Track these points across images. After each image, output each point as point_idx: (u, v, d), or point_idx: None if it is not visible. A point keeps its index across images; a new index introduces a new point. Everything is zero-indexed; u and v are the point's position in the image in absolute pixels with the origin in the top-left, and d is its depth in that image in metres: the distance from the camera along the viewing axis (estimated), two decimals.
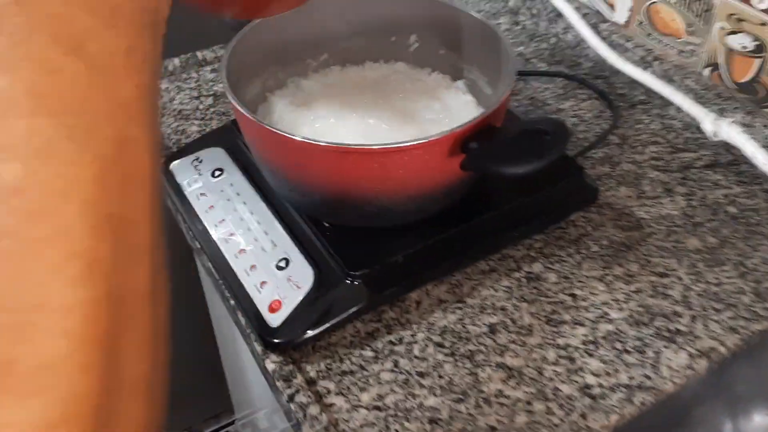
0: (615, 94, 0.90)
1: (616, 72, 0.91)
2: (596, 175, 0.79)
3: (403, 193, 0.60)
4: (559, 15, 0.98)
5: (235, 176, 0.71)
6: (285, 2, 0.56)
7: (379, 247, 0.63)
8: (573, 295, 0.67)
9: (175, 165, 0.74)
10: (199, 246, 0.68)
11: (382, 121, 0.70)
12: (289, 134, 0.56)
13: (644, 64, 0.88)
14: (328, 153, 0.56)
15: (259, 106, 0.72)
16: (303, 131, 0.69)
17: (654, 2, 0.86)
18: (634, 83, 0.90)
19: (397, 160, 0.57)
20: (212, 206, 0.69)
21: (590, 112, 0.88)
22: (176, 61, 0.93)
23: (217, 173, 0.72)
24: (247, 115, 0.58)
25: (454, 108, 0.72)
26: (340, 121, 0.70)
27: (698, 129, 0.84)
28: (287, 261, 0.63)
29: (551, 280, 0.68)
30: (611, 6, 0.92)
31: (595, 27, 0.93)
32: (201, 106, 0.88)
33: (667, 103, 0.87)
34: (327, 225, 0.65)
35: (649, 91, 0.88)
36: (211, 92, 0.90)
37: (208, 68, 0.94)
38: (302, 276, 0.61)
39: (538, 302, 0.66)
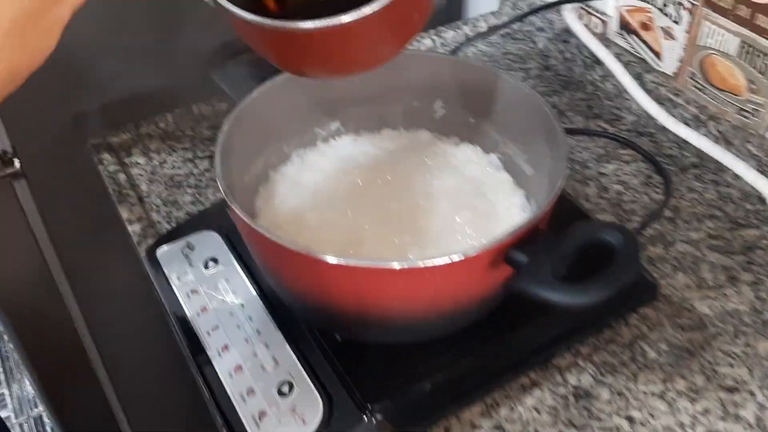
0: (663, 155, 0.80)
1: (663, 127, 0.81)
2: (648, 257, 0.68)
3: (433, 310, 0.50)
4: (597, 61, 0.87)
5: (231, 269, 0.61)
6: (361, 63, 0.49)
7: (401, 369, 0.53)
8: (630, 419, 0.56)
9: (162, 252, 0.64)
10: (189, 355, 0.58)
11: (403, 206, 0.60)
12: (296, 248, 0.46)
13: (697, 123, 0.78)
14: (344, 271, 0.46)
15: (260, 187, 0.62)
16: (310, 221, 0.59)
17: (709, 53, 0.76)
18: (683, 141, 0.79)
19: (428, 278, 0.47)
20: (204, 308, 0.59)
21: (636, 178, 0.77)
22: (169, 117, 0.83)
23: (210, 264, 0.62)
24: (246, 220, 0.48)
25: (488, 189, 0.62)
26: (354, 206, 0.60)
27: (759, 199, 0.74)
28: (291, 386, 0.52)
29: (603, 397, 0.58)
30: (657, 54, 0.82)
31: (639, 77, 0.83)
32: (196, 171, 0.78)
33: (722, 166, 0.76)
34: (339, 339, 0.55)
35: (701, 152, 0.78)
36: (208, 153, 0.80)
37: (206, 124, 0.84)
38: (309, 406, 0.51)
39: (590, 428, 0.56)
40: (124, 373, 1.07)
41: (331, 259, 0.45)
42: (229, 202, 0.49)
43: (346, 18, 0.42)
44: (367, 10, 0.42)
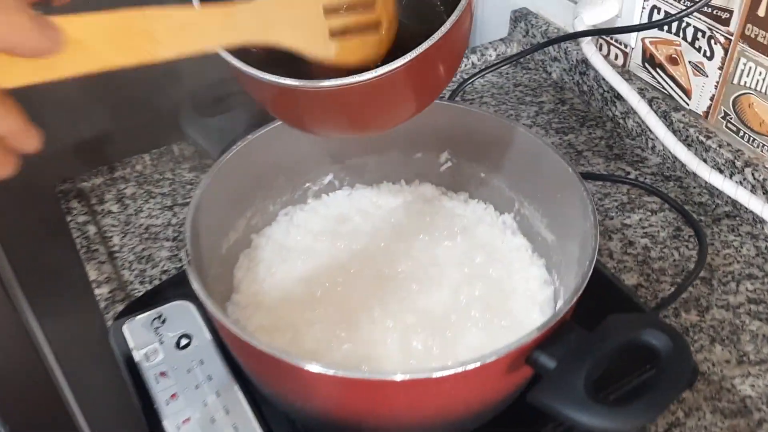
0: (693, 203, 0.72)
1: (691, 171, 0.73)
2: (681, 326, 0.61)
3: (440, 418, 0.42)
4: (617, 96, 0.80)
5: (206, 350, 0.53)
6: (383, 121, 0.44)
7: None
8: None
9: (130, 325, 0.56)
10: None
11: (404, 277, 0.52)
12: (273, 353, 0.38)
13: (732, 169, 0.70)
14: (332, 381, 0.38)
15: (241, 254, 0.54)
16: (297, 296, 0.51)
17: (745, 93, 0.68)
18: (715, 186, 0.72)
19: (435, 388, 0.39)
20: (175, 395, 0.51)
21: (664, 230, 0.69)
22: (146, 158, 0.75)
23: (183, 342, 0.54)
24: (226, 325, 0.40)
25: (502, 256, 0.54)
26: (348, 278, 0.52)
27: None
28: None
29: None
30: (686, 91, 0.74)
31: (665, 116, 0.75)
32: (174, 221, 0.70)
33: (759, 217, 0.69)
34: None
35: (735, 200, 0.70)
36: (189, 199, 0.72)
37: (187, 165, 0.76)
38: None
39: None
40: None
41: (315, 368, 0.37)
42: (198, 293, 0.41)
43: (354, 79, 0.36)
44: (388, 67, 0.36)
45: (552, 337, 0.40)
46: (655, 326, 0.38)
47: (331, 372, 0.37)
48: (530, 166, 0.53)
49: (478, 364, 0.37)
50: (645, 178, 0.75)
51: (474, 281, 0.52)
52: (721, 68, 0.69)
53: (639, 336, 0.39)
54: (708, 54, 0.70)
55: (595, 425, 0.35)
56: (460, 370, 0.37)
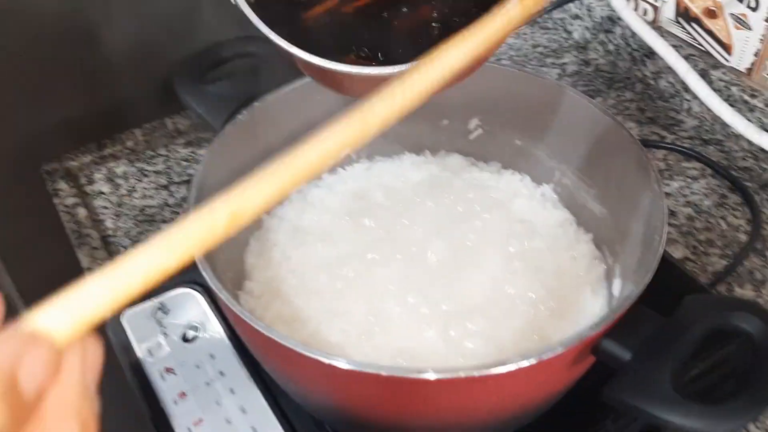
0: (737, 168, 0.66)
1: (731, 133, 0.67)
2: None
3: (491, 418, 0.37)
4: (648, 54, 0.74)
5: (217, 343, 0.48)
6: None
7: None
8: None
9: (129, 317, 0.50)
10: None
11: (436, 258, 0.46)
12: (298, 348, 0.33)
13: None
14: (363, 378, 0.33)
15: (252, 238, 0.48)
16: (318, 285, 0.45)
17: None
18: (759, 149, 0.66)
19: (481, 388, 0.33)
20: (184, 393, 0.46)
21: (708, 197, 0.64)
22: (138, 133, 0.69)
23: (190, 334, 0.49)
24: (243, 317, 0.34)
25: (543, 231, 0.48)
26: (373, 261, 0.46)
27: None
28: None
29: None
30: (726, 47, 0.68)
31: (704, 74, 0.69)
32: (171, 200, 0.64)
33: None
34: None
35: None
36: (185, 177, 0.66)
37: (182, 141, 0.70)
38: None
39: None
40: None
41: (344, 364, 0.32)
42: (210, 283, 0.35)
43: None
44: None
45: (623, 325, 0.34)
46: (746, 308, 0.33)
47: (361, 368, 0.32)
48: (575, 130, 0.47)
49: (534, 361, 0.32)
50: (682, 143, 0.69)
51: (514, 261, 0.46)
52: (767, 20, 0.63)
53: (728, 320, 0.33)
54: (752, 4, 0.64)
55: (691, 427, 0.30)
56: (512, 367, 0.32)
